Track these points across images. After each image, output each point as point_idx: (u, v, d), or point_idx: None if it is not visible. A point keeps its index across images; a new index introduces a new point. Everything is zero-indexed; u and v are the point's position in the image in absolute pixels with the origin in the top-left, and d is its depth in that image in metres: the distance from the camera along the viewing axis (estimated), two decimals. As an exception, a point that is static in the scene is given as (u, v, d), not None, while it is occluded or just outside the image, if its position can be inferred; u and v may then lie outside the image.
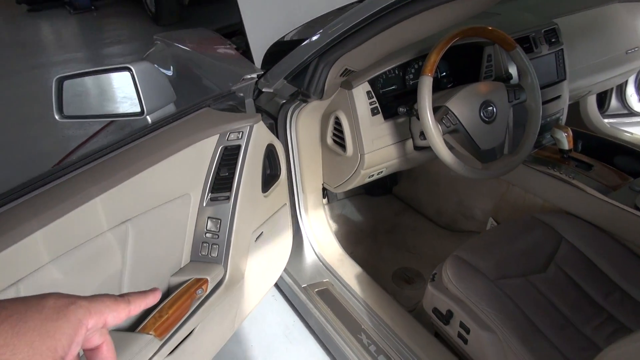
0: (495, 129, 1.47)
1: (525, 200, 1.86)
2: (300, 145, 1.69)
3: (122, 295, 0.45)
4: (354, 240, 2.13)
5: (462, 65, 1.77)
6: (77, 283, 0.95)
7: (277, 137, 1.64)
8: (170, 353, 1.17)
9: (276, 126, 1.66)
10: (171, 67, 2.06)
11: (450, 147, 1.45)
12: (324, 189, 1.88)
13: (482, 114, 1.44)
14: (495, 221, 1.97)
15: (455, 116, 1.41)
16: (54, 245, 0.89)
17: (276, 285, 2.00)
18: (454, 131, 1.43)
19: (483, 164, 1.47)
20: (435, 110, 1.44)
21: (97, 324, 0.41)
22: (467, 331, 1.37)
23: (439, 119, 1.40)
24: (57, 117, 1.23)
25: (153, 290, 0.52)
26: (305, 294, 1.74)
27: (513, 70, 1.73)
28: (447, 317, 1.43)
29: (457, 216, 2.16)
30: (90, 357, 0.45)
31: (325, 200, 2.04)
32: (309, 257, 1.83)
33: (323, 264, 1.81)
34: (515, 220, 1.67)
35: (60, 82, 1.18)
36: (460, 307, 1.38)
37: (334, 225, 2.21)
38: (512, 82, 1.68)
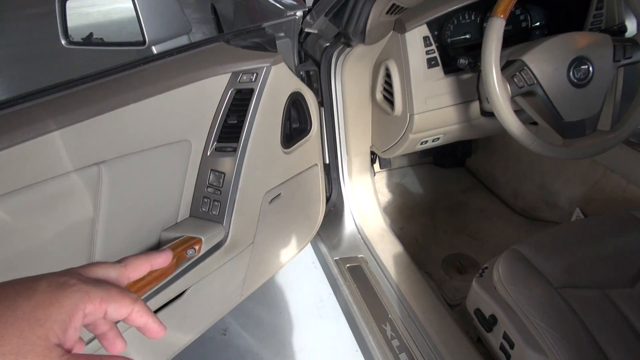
0: (589, 95, 1.12)
1: (625, 192, 1.47)
2: (346, 98, 1.45)
3: (130, 293, 0.42)
4: (408, 214, 1.87)
5: (563, 13, 1.40)
6: (29, 226, 0.84)
7: (320, 86, 1.43)
8: (152, 314, 1.05)
9: (319, 74, 1.44)
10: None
11: (522, 115, 1.13)
12: (374, 152, 1.64)
13: (571, 74, 1.10)
14: (583, 213, 1.60)
15: (533, 74, 1.09)
16: (-5, 181, 0.78)
17: (315, 252, 1.83)
18: (529, 94, 1.11)
19: (565, 140, 1.14)
20: (508, 64, 1.13)
21: (96, 312, 0.38)
22: (511, 345, 1.10)
23: (508, 76, 1.09)
24: (63, 42, 1.12)
25: (159, 325, 0.44)
26: (336, 268, 1.55)
27: (632, 23, 1.32)
28: (489, 323, 1.16)
29: (537, 202, 1.80)
30: (100, 340, 0.43)
31: (377, 166, 1.80)
32: (348, 227, 1.62)
33: (362, 236, 1.59)
34: (607, 215, 1.31)
35: (63, 1, 1.06)
36: (507, 315, 1.10)
37: (387, 195, 1.96)
38: (625, 36, 1.28)
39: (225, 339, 1.71)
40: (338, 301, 1.61)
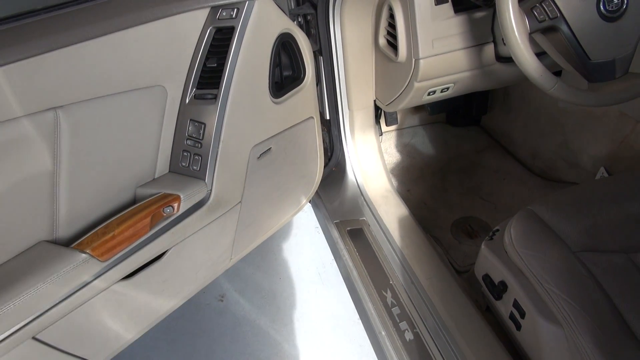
0: (621, 30, 0.97)
1: (657, 149, 1.32)
2: (346, 45, 1.32)
3: None
4: (417, 176, 1.75)
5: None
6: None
7: (318, 31, 1.29)
8: (127, 278, 0.97)
9: (317, 17, 1.30)
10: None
11: (543, 60, 0.98)
12: (378, 108, 1.51)
13: (602, 6, 0.95)
14: (608, 173, 1.46)
15: (556, 6, 0.94)
16: None
17: (316, 215, 1.73)
18: (550, 29, 0.96)
19: (590, 84, 0.99)
20: (527, -5, 0.98)
21: None
22: (522, 314, 0.99)
23: (527, 9, 0.94)
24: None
25: None
26: (337, 231, 1.45)
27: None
28: (499, 290, 1.05)
29: (557, 161, 1.66)
30: None
31: (382, 123, 1.67)
32: (349, 188, 1.51)
33: (364, 198, 1.48)
34: (636, 173, 1.18)
35: None
36: (518, 281, 0.99)
37: (395, 156, 1.84)
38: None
39: (222, 305, 1.64)
40: (338, 266, 1.52)
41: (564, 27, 0.95)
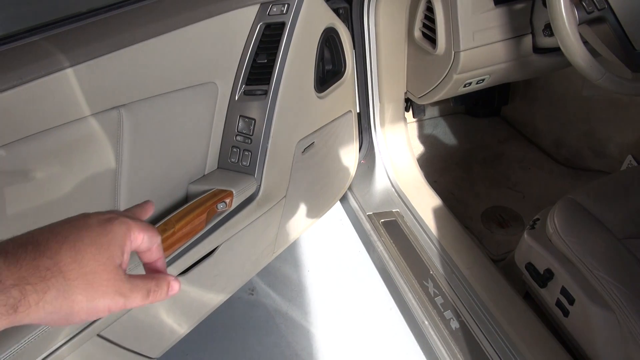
0: (666, 20, 0.98)
1: (687, 136, 1.34)
2: (380, 38, 1.33)
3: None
4: (441, 167, 1.76)
5: None
6: (45, 177, 0.75)
7: (352, 26, 1.30)
8: (182, 273, 0.98)
9: (350, 12, 1.30)
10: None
11: (587, 46, 1.00)
12: (407, 100, 1.52)
13: (647, -4, 0.96)
14: (636, 160, 1.48)
15: (604, -3, 0.95)
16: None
17: (344, 208, 1.75)
18: (597, 21, 0.98)
19: (634, 74, 1.01)
20: (573, -13, 0.99)
21: (137, 239, 0.44)
22: (571, 301, 1.01)
23: (576, 1, 0.95)
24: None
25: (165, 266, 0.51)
26: (369, 223, 1.46)
27: None
28: (544, 278, 1.07)
29: (582, 150, 1.68)
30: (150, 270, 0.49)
31: (409, 115, 1.68)
32: (380, 180, 1.52)
33: (395, 190, 1.49)
34: (668, 162, 1.20)
35: None
36: (566, 269, 1.01)
37: (418, 147, 1.85)
38: None
39: (253, 298, 1.65)
40: (371, 258, 1.54)
41: (611, 17, 0.96)
